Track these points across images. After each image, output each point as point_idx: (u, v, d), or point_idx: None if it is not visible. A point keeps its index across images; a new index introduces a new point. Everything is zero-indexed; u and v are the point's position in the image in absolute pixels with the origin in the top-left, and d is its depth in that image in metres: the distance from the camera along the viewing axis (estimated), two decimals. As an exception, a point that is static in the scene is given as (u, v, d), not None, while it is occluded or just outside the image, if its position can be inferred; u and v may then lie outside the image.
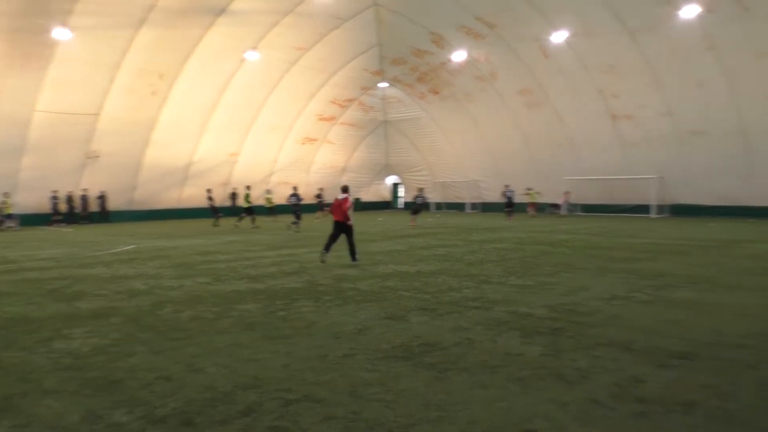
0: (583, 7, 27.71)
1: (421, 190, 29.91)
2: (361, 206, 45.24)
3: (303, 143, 40.99)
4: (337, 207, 13.64)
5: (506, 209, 32.15)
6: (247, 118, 36.24)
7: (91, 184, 32.06)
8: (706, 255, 14.92)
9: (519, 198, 34.61)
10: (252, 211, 27.48)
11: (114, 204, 33.39)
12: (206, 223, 30.85)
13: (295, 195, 25.84)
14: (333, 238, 13.70)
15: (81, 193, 32.06)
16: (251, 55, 32.11)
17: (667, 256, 14.78)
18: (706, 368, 5.67)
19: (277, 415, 4.61)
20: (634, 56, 28.94)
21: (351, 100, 40.96)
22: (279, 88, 35.71)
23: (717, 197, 30.99)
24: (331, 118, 41.20)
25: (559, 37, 29.80)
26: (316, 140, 41.69)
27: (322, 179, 43.32)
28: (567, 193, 35.24)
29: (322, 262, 13.62)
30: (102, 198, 32.93)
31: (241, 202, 31.69)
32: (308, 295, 9.73)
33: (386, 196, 50.23)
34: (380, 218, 34.89)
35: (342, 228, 13.63)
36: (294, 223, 24.91)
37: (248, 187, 28.84)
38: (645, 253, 15.32)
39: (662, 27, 26.92)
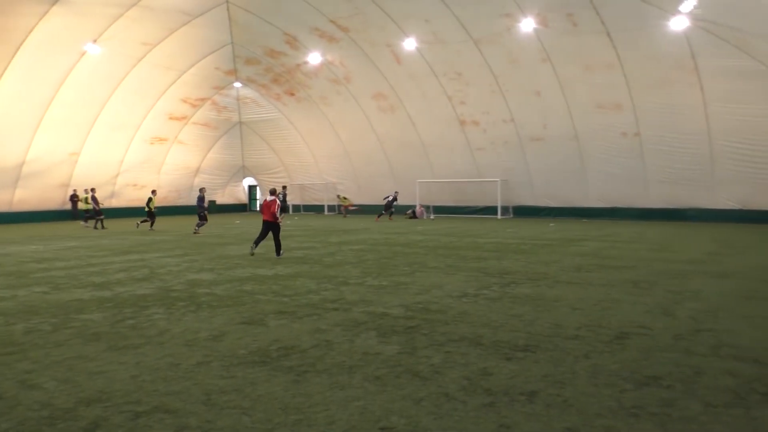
0: (431, 15, 28.73)
1: (284, 188, 29.93)
2: (216, 209, 43.89)
3: (152, 143, 38.96)
4: (266, 208, 15.62)
5: (388, 211, 34.01)
6: (89, 116, 33.80)
7: None
8: (545, 253, 16.09)
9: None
10: (153, 215, 27.09)
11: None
12: (45, 227, 28.55)
13: (201, 197, 24.96)
14: (262, 235, 15.69)
15: None
16: (92, 49, 30.00)
17: (511, 254, 15.77)
18: (546, 359, 6.11)
19: (126, 429, 4.37)
20: (479, 65, 30.52)
21: (203, 100, 39.59)
22: (124, 84, 33.67)
23: (554, 199, 33.58)
24: (183, 118, 39.55)
25: (410, 43, 30.70)
26: (166, 140, 39.81)
27: (174, 181, 41.52)
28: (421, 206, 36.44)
29: (251, 254, 15.58)
30: None
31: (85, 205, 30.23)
32: (160, 302, 9.31)
33: (243, 198, 49.15)
34: (237, 221, 34.08)
35: (270, 226, 15.49)
36: (199, 225, 24.44)
37: (153, 192, 28.27)
38: (492, 252, 16.25)
39: (503, 38, 28.64)
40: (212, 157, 44.08)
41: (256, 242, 15.77)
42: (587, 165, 31.26)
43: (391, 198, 34.25)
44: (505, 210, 34.60)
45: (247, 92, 40.49)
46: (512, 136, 32.73)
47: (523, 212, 34.57)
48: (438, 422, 4.47)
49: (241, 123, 43.57)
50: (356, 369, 5.79)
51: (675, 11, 23.30)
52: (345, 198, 39.18)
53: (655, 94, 27.35)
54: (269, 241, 15.76)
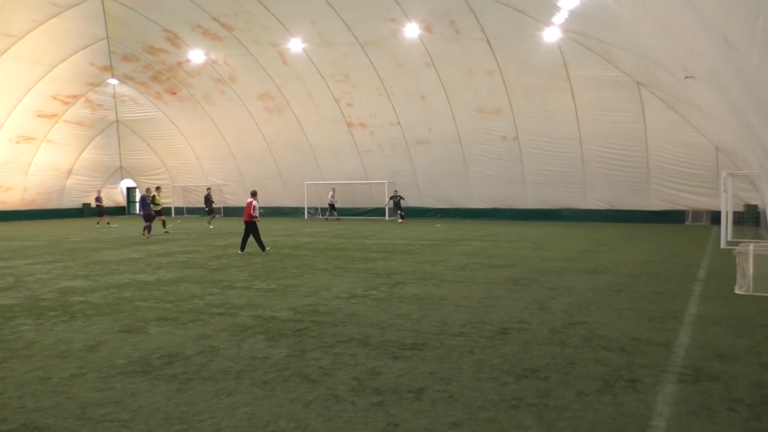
0: (317, 17, 28.65)
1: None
2: (90, 212, 41.38)
3: (18, 142, 36.13)
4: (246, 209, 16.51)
5: (398, 212, 32.81)
6: (-56, 112, 30.94)
7: None
8: (432, 253, 16.50)
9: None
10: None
11: None
12: None
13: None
14: (246, 237, 16.61)
15: None
16: (-52, 39, 27.49)
17: (399, 255, 16.04)
18: (433, 356, 6.27)
19: (-11, 453, 4.03)
20: (365, 67, 30.81)
21: (76, 97, 37.23)
22: (-14, 78, 31.11)
23: (440, 200, 34.54)
24: (53, 116, 37.00)
25: (296, 44, 30.46)
26: (34, 139, 37.05)
27: (43, 182, 38.73)
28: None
29: (242, 254, 16.29)
30: None
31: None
32: (28, 312, 8.67)
33: (120, 200, 46.71)
34: (115, 224, 32.35)
35: (248, 226, 16.34)
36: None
37: (158, 188, 25.73)
38: (380, 253, 16.45)
39: (389, 42, 29.09)
40: (87, 157, 41.52)
41: (242, 247, 16.59)
42: (470, 167, 32.38)
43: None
44: (393, 211, 35.13)
45: (125, 90, 38.57)
46: (399, 138, 33.31)
47: (411, 213, 35.23)
48: (327, 424, 4.46)
49: (118, 122, 41.42)
50: (243, 374, 5.67)
51: (549, 22, 24.62)
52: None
53: (531, 99, 28.79)
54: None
